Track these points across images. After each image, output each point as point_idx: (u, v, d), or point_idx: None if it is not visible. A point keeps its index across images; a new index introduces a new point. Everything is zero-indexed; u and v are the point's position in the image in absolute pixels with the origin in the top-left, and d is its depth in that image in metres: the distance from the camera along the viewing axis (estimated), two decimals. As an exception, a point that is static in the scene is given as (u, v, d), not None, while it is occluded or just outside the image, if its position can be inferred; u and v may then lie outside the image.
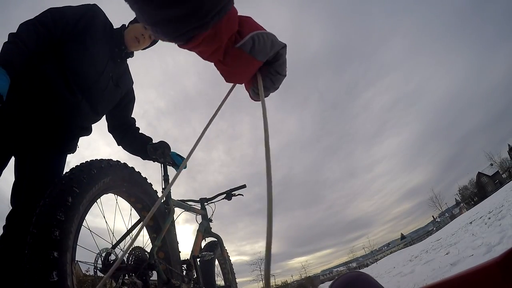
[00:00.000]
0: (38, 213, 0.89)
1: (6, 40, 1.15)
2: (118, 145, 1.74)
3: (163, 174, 1.72)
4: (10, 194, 1.28)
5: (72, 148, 1.48)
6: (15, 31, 1.17)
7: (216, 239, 2.24)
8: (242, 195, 2.44)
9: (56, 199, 0.92)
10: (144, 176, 1.49)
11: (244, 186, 2.39)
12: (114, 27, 1.59)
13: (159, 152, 1.67)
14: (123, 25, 1.62)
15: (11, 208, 1.23)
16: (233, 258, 2.67)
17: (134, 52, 1.64)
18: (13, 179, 1.30)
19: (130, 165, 1.40)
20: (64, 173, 1.06)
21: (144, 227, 1.50)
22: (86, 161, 1.12)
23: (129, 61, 1.68)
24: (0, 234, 1.15)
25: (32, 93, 1.23)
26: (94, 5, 1.47)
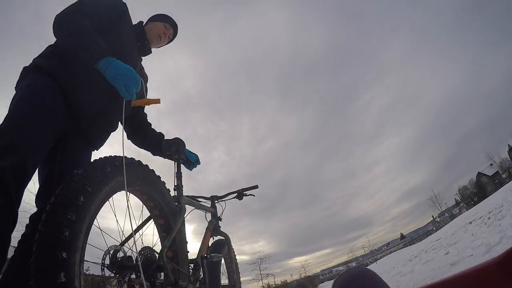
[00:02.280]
0: (48, 211, 0.85)
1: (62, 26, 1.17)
2: (128, 138, 1.72)
3: (176, 171, 1.69)
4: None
5: (101, 145, 1.44)
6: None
7: (224, 238, 2.22)
8: (254, 196, 2.41)
9: (68, 198, 0.88)
10: (157, 175, 1.45)
11: (256, 187, 2.36)
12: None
13: (173, 148, 1.65)
14: (141, 22, 1.71)
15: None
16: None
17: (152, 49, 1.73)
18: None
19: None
20: (76, 170, 0.99)
21: (154, 225, 1.47)
22: (100, 158, 1.06)
23: None
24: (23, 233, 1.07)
25: (79, 84, 1.18)
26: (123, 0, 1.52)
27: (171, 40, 1.84)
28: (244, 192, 2.37)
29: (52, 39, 1.27)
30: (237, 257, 2.60)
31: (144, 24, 1.72)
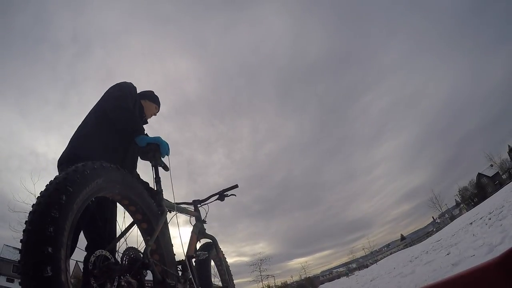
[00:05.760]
0: (33, 211, 0.89)
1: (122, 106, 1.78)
2: None
3: (154, 176, 1.74)
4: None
5: None
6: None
7: (211, 240, 2.24)
8: (235, 195, 2.44)
9: (50, 197, 0.93)
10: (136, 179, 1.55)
11: (236, 186, 2.38)
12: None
13: (150, 155, 1.70)
14: (137, 96, 2.18)
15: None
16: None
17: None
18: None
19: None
20: (58, 173, 1.10)
21: (138, 230, 1.53)
22: (81, 163, 1.13)
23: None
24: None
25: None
26: (132, 83, 2.11)
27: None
28: (225, 193, 2.38)
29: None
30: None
31: (139, 97, 2.21)
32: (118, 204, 1.57)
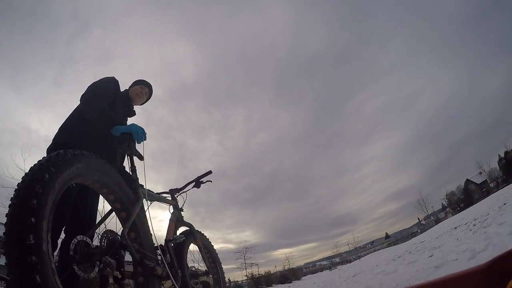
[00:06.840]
0: (19, 188, 0.98)
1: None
2: None
3: (130, 165, 1.80)
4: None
5: None
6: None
7: (188, 228, 2.29)
8: (211, 181, 2.49)
9: (34, 175, 1.03)
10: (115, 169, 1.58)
11: (210, 172, 2.45)
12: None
13: (125, 145, 1.72)
14: (126, 90, 2.32)
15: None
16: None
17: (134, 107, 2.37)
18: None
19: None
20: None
21: (117, 218, 1.60)
22: (63, 150, 1.23)
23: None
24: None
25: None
26: (114, 77, 2.12)
27: (149, 96, 2.46)
28: (201, 180, 2.45)
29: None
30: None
31: (128, 89, 2.32)
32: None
